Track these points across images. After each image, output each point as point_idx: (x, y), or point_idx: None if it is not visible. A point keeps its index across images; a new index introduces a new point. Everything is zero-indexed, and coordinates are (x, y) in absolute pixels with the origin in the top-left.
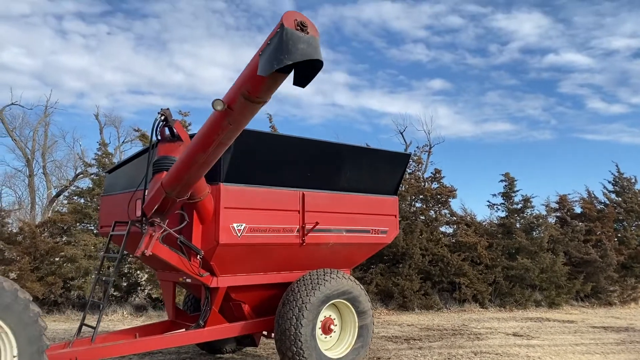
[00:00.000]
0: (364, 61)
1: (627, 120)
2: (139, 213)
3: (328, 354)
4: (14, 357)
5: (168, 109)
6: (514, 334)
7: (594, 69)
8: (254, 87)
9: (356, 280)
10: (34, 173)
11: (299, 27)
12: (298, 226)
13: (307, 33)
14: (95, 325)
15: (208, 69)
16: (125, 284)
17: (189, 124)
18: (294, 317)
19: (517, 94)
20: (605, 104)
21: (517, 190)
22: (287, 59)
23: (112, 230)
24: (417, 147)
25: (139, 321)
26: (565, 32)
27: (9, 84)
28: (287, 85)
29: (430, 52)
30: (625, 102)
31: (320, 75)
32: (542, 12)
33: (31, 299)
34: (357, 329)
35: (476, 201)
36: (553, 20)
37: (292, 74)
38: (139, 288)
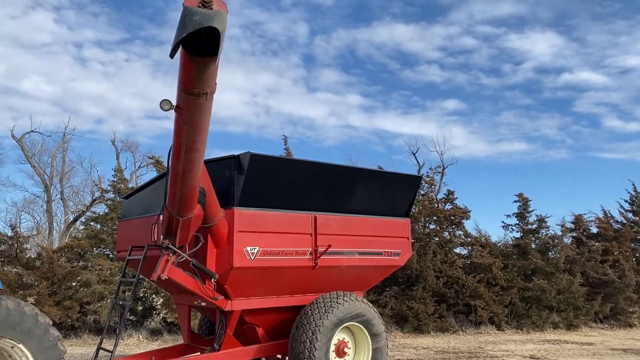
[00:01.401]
0: (377, 83)
1: None
2: (158, 238)
3: None
4: None
5: None
6: (531, 357)
7: (609, 87)
8: (185, 78)
9: (369, 303)
10: (52, 199)
11: (200, 5)
12: (311, 249)
13: (211, 9)
14: (112, 349)
15: (224, 93)
16: (140, 308)
17: None
18: (307, 340)
19: (532, 114)
20: (621, 122)
21: (532, 211)
22: (183, 32)
23: (129, 255)
24: (429, 169)
25: (155, 345)
26: (579, 51)
27: (29, 111)
28: (301, 107)
29: (444, 73)
30: None
31: (333, 97)
32: (555, 32)
33: (51, 323)
34: (370, 352)
35: (491, 222)
36: (567, 39)
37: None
38: (155, 312)
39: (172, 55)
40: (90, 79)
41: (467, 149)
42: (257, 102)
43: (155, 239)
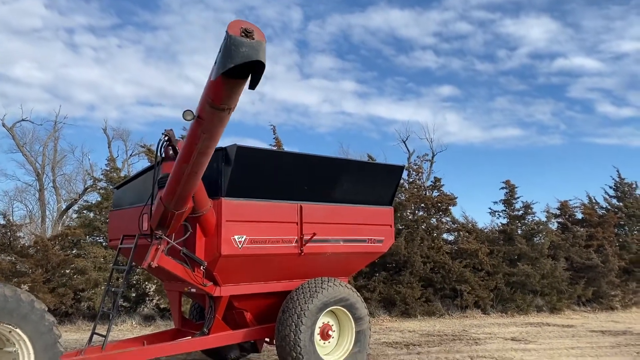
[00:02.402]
0: (372, 69)
1: (638, 123)
2: (146, 227)
3: (326, 358)
4: None
5: (171, 129)
6: (512, 339)
7: (603, 72)
8: (215, 95)
9: (353, 288)
10: (44, 187)
11: (243, 34)
12: (296, 237)
13: (252, 39)
14: (105, 334)
15: None
16: (133, 295)
17: None
18: (293, 323)
19: (526, 99)
20: (615, 108)
21: (518, 197)
22: (230, 62)
23: (121, 243)
24: (417, 157)
25: (148, 331)
26: (574, 36)
27: (20, 98)
28: (295, 94)
29: (438, 59)
30: (635, 106)
31: (328, 83)
32: (550, 17)
33: (46, 309)
34: (354, 335)
35: (482, 208)
36: (562, 24)
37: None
38: (147, 299)
39: (214, 77)
40: (82, 65)
41: (461, 135)
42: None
43: (145, 229)
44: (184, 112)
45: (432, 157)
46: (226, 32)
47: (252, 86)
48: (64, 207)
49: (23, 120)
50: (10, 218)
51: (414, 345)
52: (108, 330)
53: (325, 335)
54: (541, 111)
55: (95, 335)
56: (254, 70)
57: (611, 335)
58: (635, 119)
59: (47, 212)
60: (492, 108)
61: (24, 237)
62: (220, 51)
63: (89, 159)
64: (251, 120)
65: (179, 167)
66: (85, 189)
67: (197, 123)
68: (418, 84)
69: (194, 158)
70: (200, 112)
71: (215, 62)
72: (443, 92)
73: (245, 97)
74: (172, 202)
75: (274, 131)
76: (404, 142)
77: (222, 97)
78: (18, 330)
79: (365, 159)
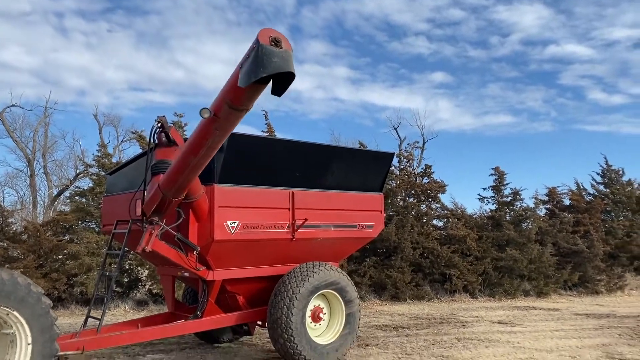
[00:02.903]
0: (365, 55)
1: (628, 110)
2: (139, 212)
3: (317, 340)
4: (29, 344)
5: (164, 116)
6: (499, 322)
7: (594, 59)
8: (236, 97)
9: (343, 272)
10: (35, 173)
11: (273, 43)
12: (288, 223)
13: (281, 48)
14: (100, 318)
15: (209, 65)
16: (126, 280)
17: (185, 124)
18: (285, 306)
19: (518, 86)
20: (605, 95)
21: (507, 184)
22: (262, 72)
23: (114, 229)
24: (407, 144)
25: (141, 315)
26: (566, 23)
27: (9, 83)
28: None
29: (431, 45)
30: (626, 93)
31: (321, 69)
32: (543, 4)
33: (43, 292)
34: (344, 317)
35: (472, 194)
36: (554, 11)
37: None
38: (140, 284)
39: (244, 84)
40: (72, 50)
41: (453, 122)
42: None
43: (137, 214)
44: (201, 110)
45: (423, 144)
46: (257, 40)
47: (280, 94)
48: (55, 193)
49: (13, 105)
50: (2, 204)
51: (403, 328)
52: (103, 314)
53: (316, 318)
54: (532, 98)
55: (89, 319)
56: (282, 79)
57: (595, 318)
58: (626, 106)
59: (39, 198)
60: (484, 95)
61: (15, 223)
62: (249, 58)
63: (80, 145)
64: None
65: (185, 159)
66: (77, 175)
67: (211, 120)
68: (411, 70)
69: (203, 152)
70: (217, 110)
71: (241, 66)
72: (435, 79)
73: None
74: (171, 191)
75: (265, 117)
76: (396, 129)
77: (243, 100)
78: (15, 312)
79: (356, 145)
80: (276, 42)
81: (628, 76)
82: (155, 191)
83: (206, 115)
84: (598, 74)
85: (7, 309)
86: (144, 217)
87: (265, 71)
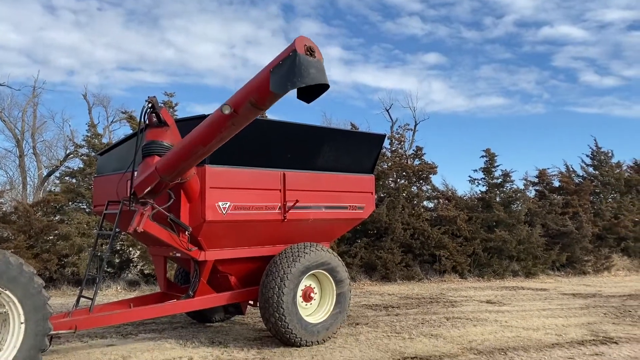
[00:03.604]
0: (358, 35)
1: (619, 93)
2: (129, 192)
3: (308, 319)
4: (22, 323)
5: (155, 96)
6: (487, 301)
7: (588, 41)
8: (262, 98)
9: (334, 253)
10: (25, 153)
11: (308, 52)
12: (279, 204)
13: (315, 57)
14: (92, 297)
15: (200, 44)
16: (118, 261)
17: (176, 104)
18: (276, 286)
19: (511, 68)
20: (598, 77)
21: (498, 166)
22: (300, 82)
23: (106, 209)
24: (399, 126)
25: (132, 295)
26: (560, 4)
27: None
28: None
29: (425, 26)
30: (618, 75)
31: None
32: None
33: (35, 271)
34: (335, 297)
35: (463, 176)
36: None
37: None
38: (132, 264)
39: (280, 92)
40: (61, 29)
41: (446, 103)
42: (234, 54)
43: (128, 194)
44: (223, 105)
45: (415, 126)
46: (294, 49)
47: (308, 101)
48: (45, 173)
49: (0, 85)
50: None
51: (393, 307)
52: (95, 294)
53: (307, 297)
54: (525, 80)
55: (82, 299)
56: (313, 88)
57: (581, 297)
58: (618, 88)
59: (28, 179)
60: (477, 76)
61: (5, 204)
62: (282, 64)
63: (69, 125)
64: (233, 86)
65: (192, 147)
66: (67, 156)
67: (230, 115)
68: (404, 51)
69: (214, 143)
70: (238, 107)
71: (274, 72)
72: (429, 60)
73: (227, 62)
74: (170, 175)
75: None
76: (387, 111)
77: (267, 102)
78: (7, 292)
79: (348, 127)
80: (311, 51)
81: (621, 58)
82: (152, 174)
83: (227, 111)
84: (591, 56)
85: (0, 288)
86: (133, 197)
87: (303, 81)
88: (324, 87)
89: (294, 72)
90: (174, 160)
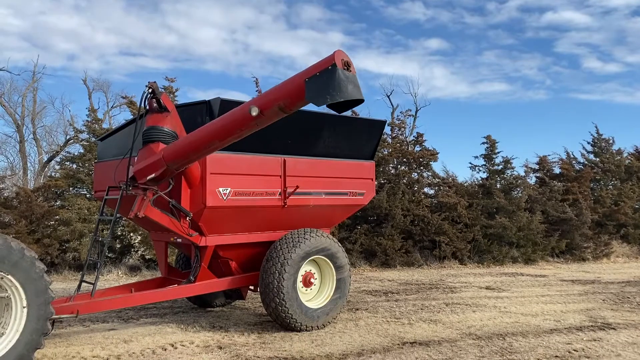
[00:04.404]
0: (360, 20)
1: (622, 79)
2: (124, 178)
3: (308, 304)
4: (24, 307)
5: (155, 82)
6: (487, 287)
7: (591, 27)
8: (292, 104)
9: (334, 239)
10: (25, 139)
11: (345, 67)
12: (280, 190)
13: (350, 71)
14: (94, 282)
15: (202, 29)
16: (119, 246)
17: (176, 90)
18: (276, 271)
19: (514, 54)
20: (601, 63)
21: (498, 152)
22: (339, 96)
23: (106, 195)
24: (400, 112)
25: (134, 280)
26: None
27: None
28: (281, 45)
29: (427, 11)
30: (621, 61)
31: (315, 35)
32: None
33: (37, 256)
34: (335, 282)
35: (465, 162)
36: None
37: None
38: (133, 250)
39: (318, 104)
40: (61, 13)
41: (447, 89)
42: (236, 39)
43: (124, 180)
44: (251, 107)
45: (416, 112)
46: (333, 63)
47: (340, 111)
48: (45, 159)
49: (0, 69)
50: None
51: (393, 293)
52: (96, 278)
53: (307, 283)
54: (528, 66)
55: (83, 284)
56: (349, 101)
57: (580, 284)
58: (620, 74)
59: (29, 164)
60: (479, 62)
61: (6, 189)
62: (320, 76)
63: (69, 111)
64: (235, 72)
65: (208, 141)
66: (67, 141)
67: (255, 116)
68: (406, 36)
69: (231, 139)
70: (265, 109)
71: (309, 82)
72: (431, 46)
73: (229, 48)
74: (178, 164)
75: (256, 83)
76: (388, 97)
77: (295, 107)
78: (10, 277)
79: (348, 113)
80: (347, 65)
81: (624, 44)
82: (158, 162)
83: (255, 113)
84: (594, 42)
85: (2, 273)
86: (130, 182)
87: (342, 96)
88: (357, 101)
89: (333, 86)
90: (185, 150)
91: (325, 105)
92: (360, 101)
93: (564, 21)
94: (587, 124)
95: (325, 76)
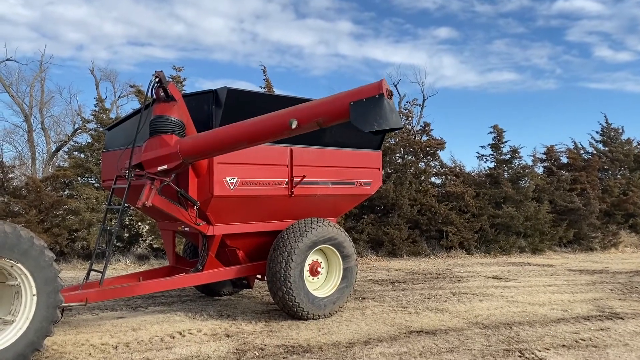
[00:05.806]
0: (369, 9)
1: (633, 68)
2: (129, 165)
3: (315, 293)
4: (34, 295)
5: (162, 71)
6: (494, 277)
7: (603, 15)
8: (331, 121)
9: (341, 228)
10: (33, 129)
11: (389, 95)
12: (287, 179)
13: (391, 98)
14: (102, 271)
15: (210, 19)
16: (127, 235)
17: (184, 79)
18: (283, 261)
19: (524, 43)
20: (612, 52)
21: (506, 142)
22: (385, 125)
23: (114, 184)
24: (407, 102)
25: (142, 269)
26: None
27: (5, 37)
28: (289, 34)
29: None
30: (633, 50)
31: (324, 24)
32: None
33: (46, 245)
34: (342, 271)
35: (472, 152)
36: None
37: None
38: (141, 239)
39: (365, 129)
40: (70, 3)
41: (456, 79)
42: (244, 29)
43: (129, 167)
44: (291, 121)
45: (423, 102)
46: (381, 94)
47: (376, 133)
48: (54, 148)
49: (8, 59)
50: (1, 159)
51: (399, 282)
52: (105, 267)
53: (314, 272)
54: (538, 55)
55: (92, 273)
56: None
57: (588, 274)
58: (632, 63)
59: (37, 154)
60: (489, 51)
61: (15, 179)
62: (367, 102)
63: (77, 100)
64: (242, 61)
65: (236, 141)
66: (75, 131)
67: (293, 128)
68: (416, 25)
69: (259, 142)
70: (304, 123)
71: (355, 105)
72: (440, 34)
73: (237, 37)
74: (195, 158)
75: (264, 72)
76: (396, 86)
77: (332, 124)
78: (19, 265)
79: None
80: (390, 94)
81: (636, 32)
82: (174, 155)
83: (294, 125)
84: (606, 31)
85: (12, 261)
86: (132, 169)
87: (387, 125)
88: (397, 129)
89: (380, 114)
90: (207, 146)
91: (374, 134)
92: (399, 129)
93: (575, 9)
94: (596, 114)
95: (372, 103)
